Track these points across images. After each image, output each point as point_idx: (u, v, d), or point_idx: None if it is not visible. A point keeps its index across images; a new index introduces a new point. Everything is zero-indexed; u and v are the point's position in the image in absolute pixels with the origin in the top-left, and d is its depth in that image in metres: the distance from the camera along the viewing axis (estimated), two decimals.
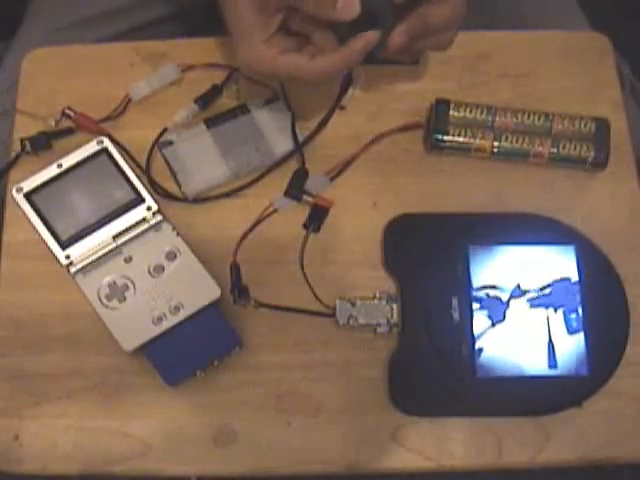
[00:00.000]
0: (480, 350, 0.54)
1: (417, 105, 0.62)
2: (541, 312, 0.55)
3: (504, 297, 0.55)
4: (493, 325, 0.55)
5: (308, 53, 0.53)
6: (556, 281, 0.56)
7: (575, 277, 0.56)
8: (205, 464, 0.54)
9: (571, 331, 0.55)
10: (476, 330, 0.54)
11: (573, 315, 0.55)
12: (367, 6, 0.50)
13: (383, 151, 0.61)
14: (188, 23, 0.75)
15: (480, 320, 0.55)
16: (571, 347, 0.54)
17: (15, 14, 0.75)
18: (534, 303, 0.55)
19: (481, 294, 0.55)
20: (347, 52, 0.52)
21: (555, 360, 0.54)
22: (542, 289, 0.55)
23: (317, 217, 0.58)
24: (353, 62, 0.53)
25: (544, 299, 0.55)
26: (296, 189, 0.58)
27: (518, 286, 0.55)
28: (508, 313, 0.55)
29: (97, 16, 0.71)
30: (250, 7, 0.52)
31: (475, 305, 0.55)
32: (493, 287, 0.55)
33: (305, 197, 0.58)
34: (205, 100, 0.61)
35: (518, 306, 0.55)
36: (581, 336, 0.55)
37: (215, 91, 0.61)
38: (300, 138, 0.60)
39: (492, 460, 0.54)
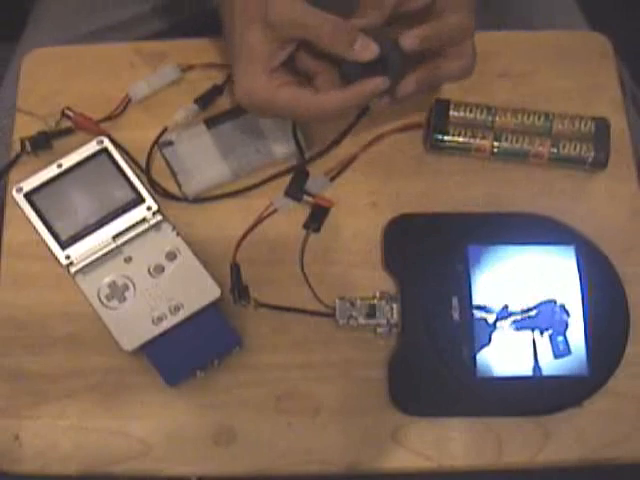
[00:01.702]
0: (480, 350, 0.54)
1: (417, 105, 0.62)
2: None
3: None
4: (515, 336, 0.55)
5: (311, 89, 0.53)
6: (544, 302, 0.56)
7: (575, 280, 0.56)
8: (205, 464, 0.54)
9: (558, 354, 0.54)
10: (476, 330, 0.55)
11: (577, 321, 0.55)
12: (381, 52, 0.51)
13: (383, 151, 0.61)
14: (188, 35, 0.75)
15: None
16: (571, 347, 0.54)
17: (15, 23, 0.75)
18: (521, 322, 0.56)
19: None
20: (353, 92, 0.52)
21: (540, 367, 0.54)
22: (554, 297, 0.56)
23: (317, 217, 0.58)
24: (357, 103, 0.53)
25: (558, 308, 0.56)
26: (297, 189, 0.58)
27: (506, 306, 0.56)
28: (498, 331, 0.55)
29: (96, 32, 0.71)
30: (261, 34, 0.50)
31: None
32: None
33: (305, 197, 0.58)
34: (205, 100, 0.61)
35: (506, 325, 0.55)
36: (581, 337, 0.55)
37: (215, 91, 0.61)
38: (300, 138, 0.59)
39: (492, 460, 0.54)
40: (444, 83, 0.56)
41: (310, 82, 0.54)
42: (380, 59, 0.51)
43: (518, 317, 0.55)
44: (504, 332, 0.55)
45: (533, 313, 0.55)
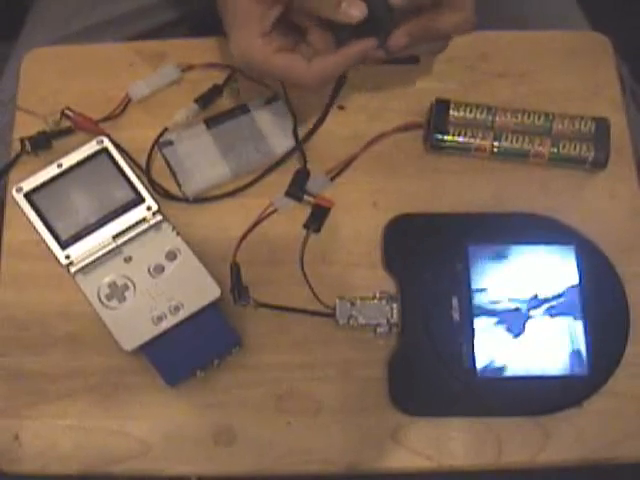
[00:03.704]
0: (480, 350, 0.54)
1: (417, 105, 0.62)
2: (553, 321, 0.55)
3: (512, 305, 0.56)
4: (515, 336, 0.55)
5: (305, 55, 0.52)
6: (563, 288, 0.56)
7: (575, 280, 0.56)
8: (205, 464, 0.54)
9: (573, 338, 0.55)
10: (476, 330, 0.55)
11: (577, 322, 0.55)
12: (368, 8, 0.50)
13: (383, 151, 0.61)
14: (192, 28, 0.75)
15: (498, 333, 0.55)
16: (571, 347, 0.54)
17: (15, 22, 0.75)
18: (547, 312, 0.56)
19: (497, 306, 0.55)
20: (343, 55, 0.51)
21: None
22: (554, 297, 0.56)
23: (318, 217, 0.58)
24: (349, 66, 0.52)
25: (558, 307, 0.56)
26: (297, 189, 0.58)
27: (530, 296, 0.56)
28: (527, 324, 0.55)
29: (100, 25, 0.71)
30: None
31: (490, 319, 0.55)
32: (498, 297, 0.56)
33: (306, 197, 0.58)
34: (205, 100, 0.61)
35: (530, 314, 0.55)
36: (581, 336, 0.55)
37: (215, 91, 0.61)
38: (300, 137, 0.59)
39: (492, 460, 0.54)
40: (445, 38, 0.55)
41: (304, 37, 0.53)
42: (370, 15, 0.50)
43: (519, 316, 0.55)
44: (504, 332, 0.55)
45: (534, 312, 0.55)
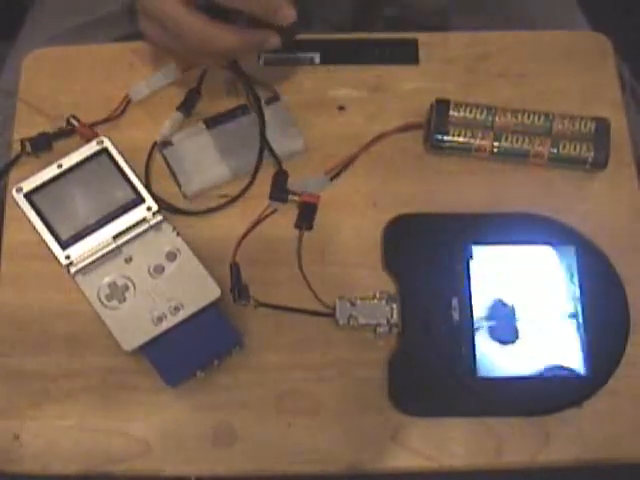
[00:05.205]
0: (480, 350, 0.54)
1: (417, 105, 0.62)
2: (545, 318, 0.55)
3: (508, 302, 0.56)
4: (515, 336, 0.55)
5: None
6: (563, 288, 0.56)
7: (575, 280, 0.56)
8: (205, 464, 0.54)
9: (573, 338, 0.55)
10: (476, 330, 0.55)
11: (577, 322, 0.55)
12: None
13: (383, 151, 0.61)
14: None
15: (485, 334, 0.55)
16: (571, 347, 0.55)
17: (14, 22, 0.75)
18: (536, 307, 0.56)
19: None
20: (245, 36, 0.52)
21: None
22: (554, 297, 0.56)
23: (307, 215, 0.58)
24: (245, 48, 0.53)
25: (558, 308, 0.56)
26: (279, 191, 0.58)
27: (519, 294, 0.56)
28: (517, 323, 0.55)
29: (97, 22, 0.71)
30: None
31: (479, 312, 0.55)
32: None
33: (291, 197, 0.58)
34: (187, 106, 0.60)
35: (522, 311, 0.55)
36: (581, 336, 0.55)
37: (194, 96, 0.61)
38: (299, 138, 0.60)
39: (492, 460, 0.54)
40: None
41: None
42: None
43: (518, 317, 0.55)
44: (504, 332, 0.55)
45: (534, 312, 0.55)
